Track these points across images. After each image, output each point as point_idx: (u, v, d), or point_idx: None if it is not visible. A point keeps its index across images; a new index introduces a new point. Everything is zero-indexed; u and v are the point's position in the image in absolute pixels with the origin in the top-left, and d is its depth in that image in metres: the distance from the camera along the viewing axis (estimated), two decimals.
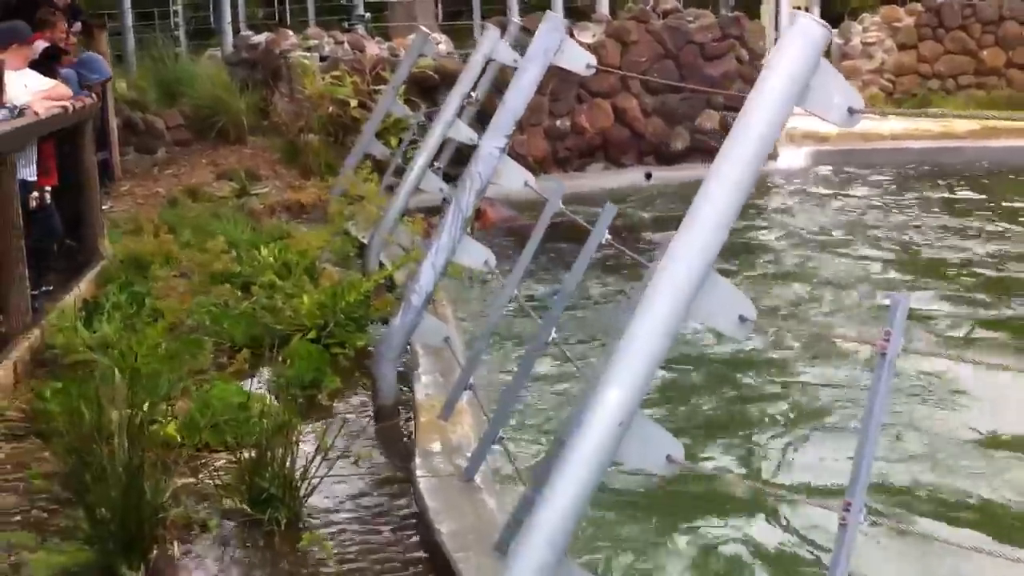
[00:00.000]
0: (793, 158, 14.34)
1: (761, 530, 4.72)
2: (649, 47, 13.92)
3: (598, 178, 13.21)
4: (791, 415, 5.99)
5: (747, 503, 4.89)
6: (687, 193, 10.41)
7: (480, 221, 9.86)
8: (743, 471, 5.25)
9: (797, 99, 3.18)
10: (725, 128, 14.20)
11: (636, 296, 3.60)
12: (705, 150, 14.11)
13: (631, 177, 13.50)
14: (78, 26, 11.92)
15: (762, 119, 3.19)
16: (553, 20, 5.54)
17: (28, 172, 7.08)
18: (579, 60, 5.60)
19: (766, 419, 5.97)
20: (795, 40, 3.16)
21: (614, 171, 13.74)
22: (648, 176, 13.56)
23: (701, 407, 6.14)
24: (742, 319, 3.26)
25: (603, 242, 4.33)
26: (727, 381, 6.55)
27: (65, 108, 7.61)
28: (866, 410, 2.93)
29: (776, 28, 19.72)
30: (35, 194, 7.15)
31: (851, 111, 3.22)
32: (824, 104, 3.20)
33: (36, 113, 7.00)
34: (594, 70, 5.73)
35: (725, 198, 3.22)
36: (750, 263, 9.30)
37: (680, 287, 3.18)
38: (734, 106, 14.15)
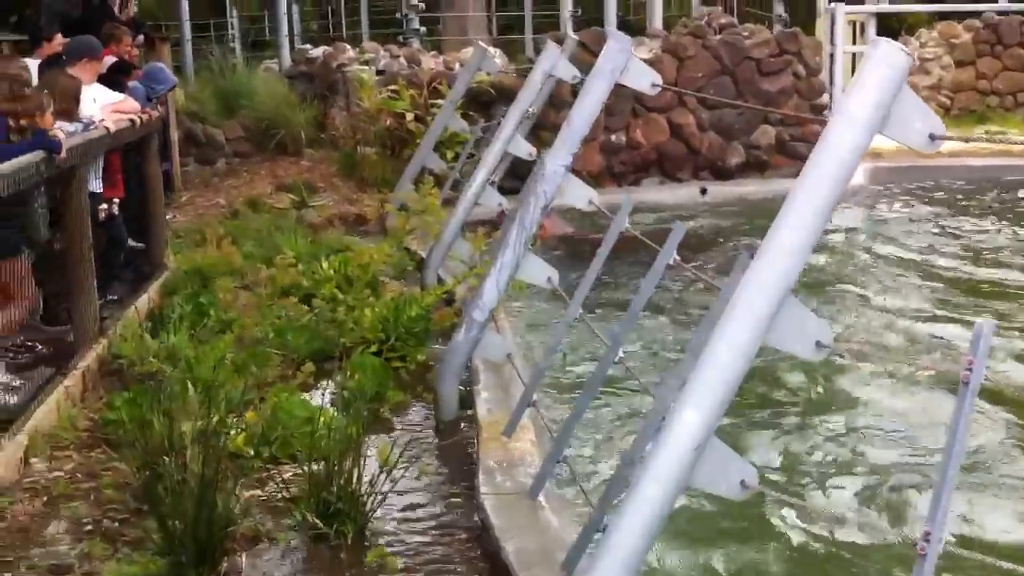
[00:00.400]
0: None
1: (831, 561, 4.68)
2: (706, 63, 13.87)
3: (653, 192, 13.17)
4: (863, 442, 5.93)
5: (814, 532, 4.85)
6: (742, 208, 10.44)
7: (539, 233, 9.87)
8: (809, 500, 5.20)
9: (878, 127, 3.16)
10: (781, 144, 14.13)
11: (711, 318, 3.60)
12: (760, 166, 14.07)
13: (686, 192, 13.45)
14: (140, 39, 12.14)
15: (844, 145, 3.18)
16: (620, 40, 5.54)
17: (95, 184, 7.22)
18: (644, 79, 5.61)
19: (837, 446, 5.90)
20: (878, 66, 3.14)
21: (669, 186, 13.70)
22: (703, 191, 13.51)
23: (766, 430, 6.08)
24: (819, 345, 3.25)
25: (671, 263, 4.33)
26: (798, 408, 6.49)
27: (133, 122, 7.75)
28: (948, 438, 2.91)
29: (832, 43, 19.52)
30: (103, 206, 7.28)
31: (932, 137, 3.20)
32: (905, 130, 3.18)
33: (106, 127, 7.14)
34: (659, 89, 5.74)
35: (805, 224, 3.21)
36: (813, 286, 9.21)
37: (759, 312, 3.17)
38: (790, 122, 14.10)
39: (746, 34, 14.42)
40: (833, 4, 20.62)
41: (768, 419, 6.24)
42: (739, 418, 5.95)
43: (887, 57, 3.16)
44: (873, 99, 3.15)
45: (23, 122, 5.91)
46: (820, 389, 6.73)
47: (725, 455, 3.29)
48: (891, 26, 22.78)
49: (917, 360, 7.03)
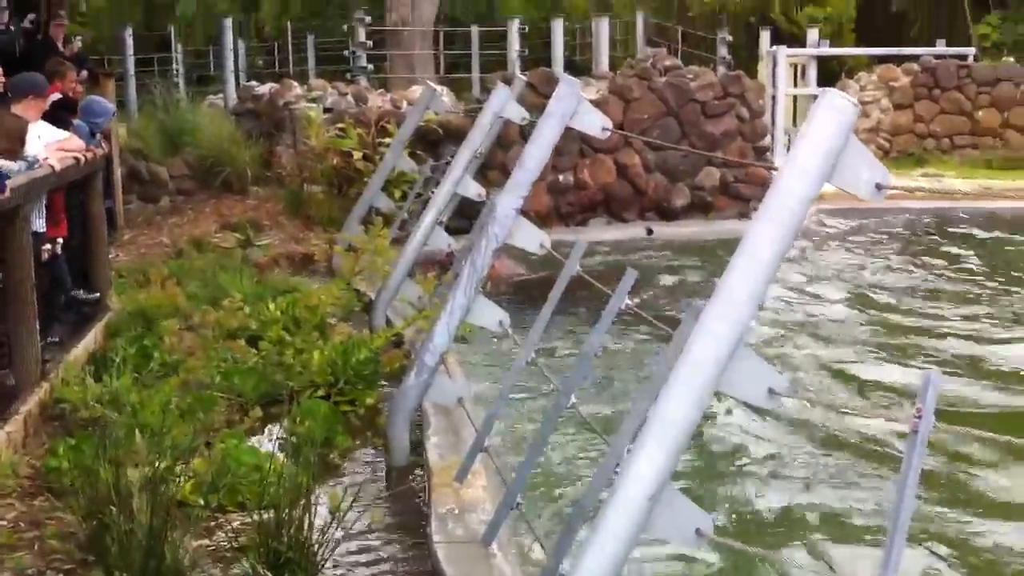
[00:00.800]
0: None
1: None
2: (651, 104, 14.06)
3: (600, 232, 13.27)
4: (808, 492, 5.97)
5: None
6: (688, 248, 10.46)
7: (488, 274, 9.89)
8: (757, 548, 5.21)
9: (828, 176, 3.22)
10: (725, 186, 14.32)
11: (663, 364, 3.62)
12: (705, 207, 14.23)
13: (633, 232, 13.57)
14: (84, 74, 12.03)
15: (793, 195, 3.22)
16: (570, 84, 5.60)
17: (39, 224, 7.10)
18: (595, 124, 5.66)
19: (783, 494, 5.93)
20: (826, 117, 3.20)
21: (616, 226, 13.82)
22: (649, 231, 13.64)
23: (717, 484, 6.09)
24: (771, 392, 3.28)
25: (623, 307, 4.36)
26: (743, 456, 6.51)
27: (77, 159, 7.65)
28: (898, 486, 2.94)
29: (773, 86, 19.87)
30: (47, 246, 7.16)
31: (879, 187, 3.27)
32: (853, 180, 3.25)
33: (51, 165, 7.04)
34: (609, 133, 5.80)
35: (756, 273, 3.24)
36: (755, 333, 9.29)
37: (712, 360, 3.20)
38: (734, 165, 14.31)
39: (691, 76, 14.63)
40: (774, 47, 21.02)
41: (716, 468, 6.26)
42: (685, 466, 5.98)
43: (835, 108, 3.22)
44: (821, 149, 3.21)
45: None
46: (765, 436, 6.77)
47: (681, 504, 3.30)
48: (831, 69, 23.28)
49: (855, 406, 7.10)
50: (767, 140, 15.23)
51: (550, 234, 6.18)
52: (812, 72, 21.05)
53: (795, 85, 21.02)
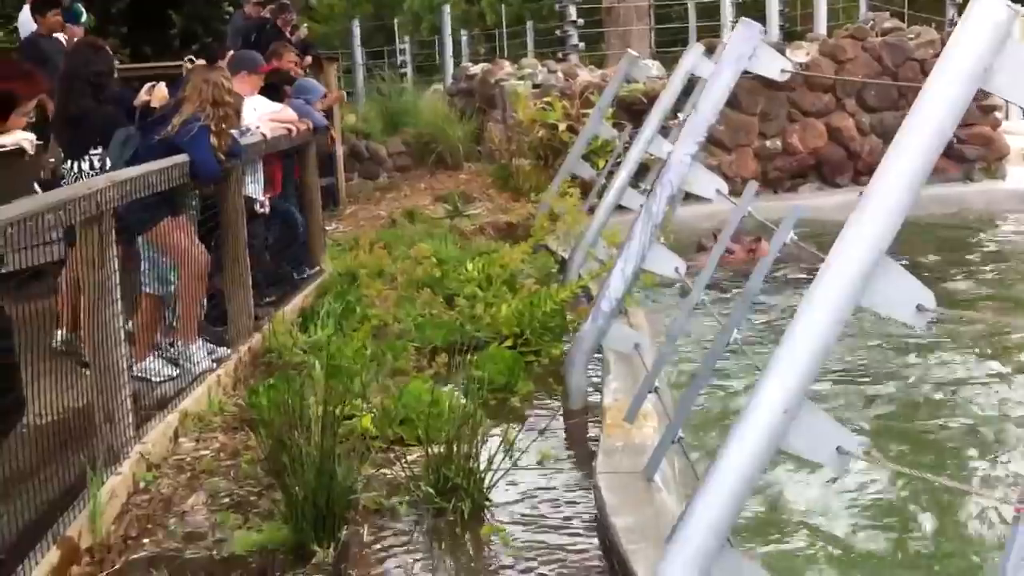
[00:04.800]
0: (1022, 179, 13.53)
1: None
2: (865, 65, 13.51)
3: (810, 198, 12.87)
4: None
5: None
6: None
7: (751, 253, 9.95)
8: None
9: (980, 80, 3.08)
10: (948, 147, 13.59)
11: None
12: None
13: (845, 198, 13.08)
14: (308, 60, 12.74)
15: (941, 100, 3.12)
16: (748, 25, 5.51)
17: (255, 189, 7.62)
18: (773, 65, 5.56)
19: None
20: (976, 19, 3.07)
21: (828, 191, 13.38)
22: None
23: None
24: (920, 308, 3.18)
25: (787, 242, 4.30)
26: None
27: (289, 131, 8.16)
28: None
29: None
30: (258, 204, 7.64)
31: None
32: (1013, 85, 3.10)
33: (263, 134, 7.55)
34: (788, 75, 5.70)
35: (898, 186, 3.16)
36: (973, 295, 8.74)
37: (850, 273, 3.13)
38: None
39: (911, 36, 13.98)
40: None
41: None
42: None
43: (986, 10, 3.08)
44: (973, 52, 3.07)
45: (223, 125, 6.30)
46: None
47: (819, 421, 3.24)
48: None
49: None
50: (996, 99, 14.36)
51: (758, 201, 5.98)
52: None
53: None
